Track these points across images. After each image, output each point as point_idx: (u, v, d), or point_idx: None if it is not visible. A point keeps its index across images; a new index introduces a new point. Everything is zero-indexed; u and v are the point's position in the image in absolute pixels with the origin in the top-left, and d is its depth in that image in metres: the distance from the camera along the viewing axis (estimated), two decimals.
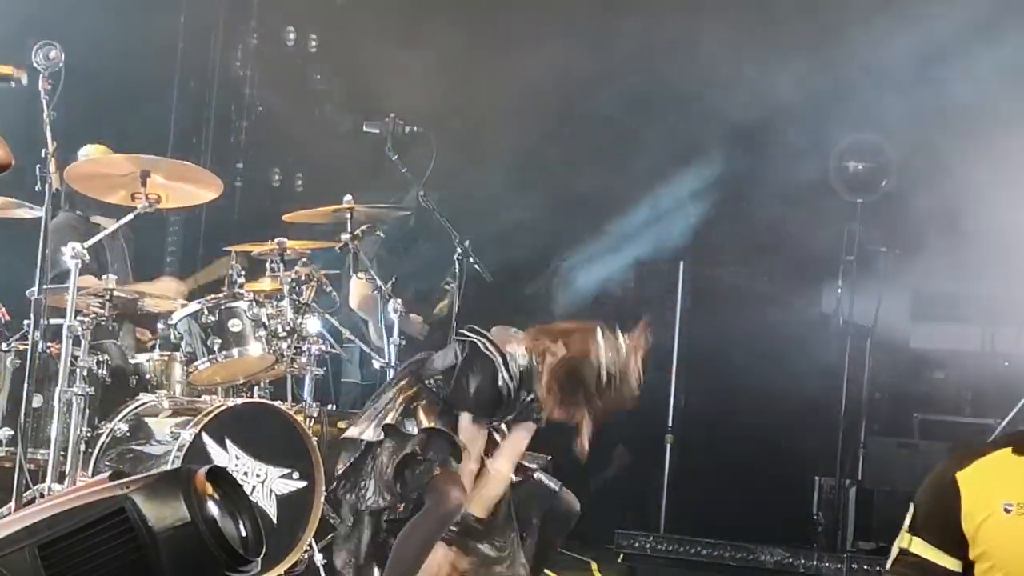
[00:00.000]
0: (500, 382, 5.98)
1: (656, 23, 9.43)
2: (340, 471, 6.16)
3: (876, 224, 9.31)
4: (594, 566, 8.80)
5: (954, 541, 3.30)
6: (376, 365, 8.14)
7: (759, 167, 9.54)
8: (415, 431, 5.97)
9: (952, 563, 3.32)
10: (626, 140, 9.74)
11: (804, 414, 8.89)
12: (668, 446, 9.48)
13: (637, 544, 8.84)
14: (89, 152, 7.80)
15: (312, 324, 7.47)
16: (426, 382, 6.13)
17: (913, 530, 3.29)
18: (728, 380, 9.23)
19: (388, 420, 6.01)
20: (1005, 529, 3.31)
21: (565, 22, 9.88)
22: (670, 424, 9.53)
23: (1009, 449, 3.41)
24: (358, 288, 8.82)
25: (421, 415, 6.02)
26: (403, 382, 6.21)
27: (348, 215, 7.73)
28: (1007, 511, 3.32)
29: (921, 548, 3.28)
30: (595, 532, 8.92)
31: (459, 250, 7.73)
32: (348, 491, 6.11)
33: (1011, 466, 3.39)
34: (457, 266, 7.71)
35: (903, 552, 3.29)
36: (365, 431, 6.06)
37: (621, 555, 8.89)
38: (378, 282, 7.85)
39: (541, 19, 9.80)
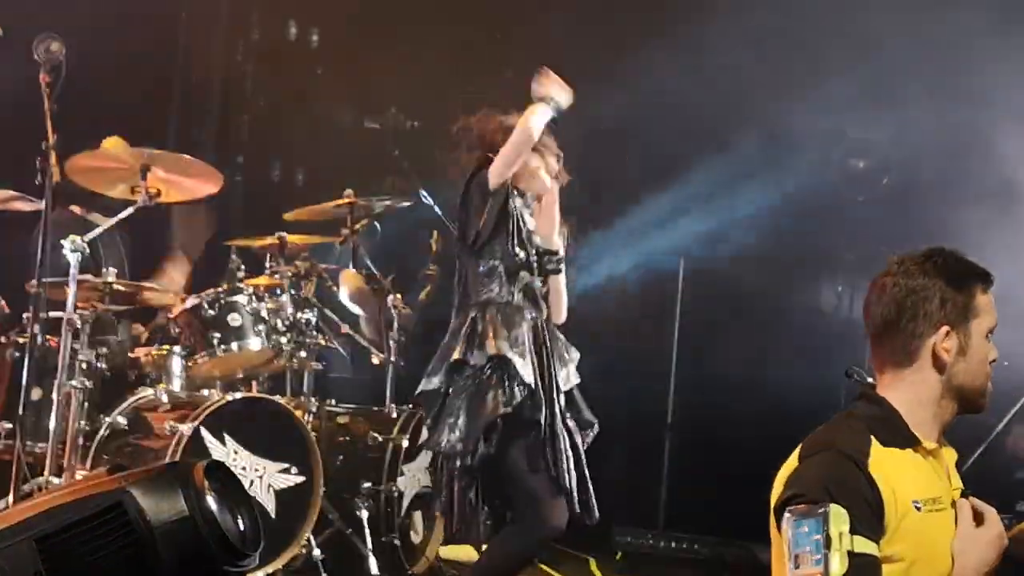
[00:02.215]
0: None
1: (660, 21, 9.42)
2: (425, 427, 6.09)
3: (876, 222, 9.30)
4: (592, 563, 8.79)
5: (880, 535, 3.28)
6: (375, 360, 8.14)
7: (761, 163, 9.53)
8: (484, 361, 5.88)
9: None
10: (629, 136, 9.73)
11: (804, 412, 8.87)
12: (667, 443, 9.48)
13: (636, 541, 8.86)
14: (107, 146, 7.81)
15: (311, 319, 7.48)
16: (474, 301, 6.09)
17: (854, 530, 3.21)
18: (728, 378, 9.23)
19: (454, 357, 5.93)
20: (919, 527, 3.33)
21: (568, 16, 9.87)
22: (669, 421, 9.53)
23: (874, 439, 3.42)
24: (349, 281, 8.80)
25: (489, 342, 5.91)
26: (457, 320, 6.13)
27: (348, 210, 7.74)
28: (917, 509, 3.35)
29: (868, 547, 3.22)
30: (593, 529, 8.92)
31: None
32: (432, 445, 6.01)
33: (898, 460, 3.41)
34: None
35: (853, 555, 3.19)
36: (435, 379, 6.00)
37: (619, 552, 8.90)
38: (378, 276, 7.86)
39: (546, 11, 9.79)
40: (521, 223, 6.13)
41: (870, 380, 3.64)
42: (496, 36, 9.47)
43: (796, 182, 9.36)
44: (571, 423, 6.10)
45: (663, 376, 9.59)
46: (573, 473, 5.96)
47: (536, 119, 5.99)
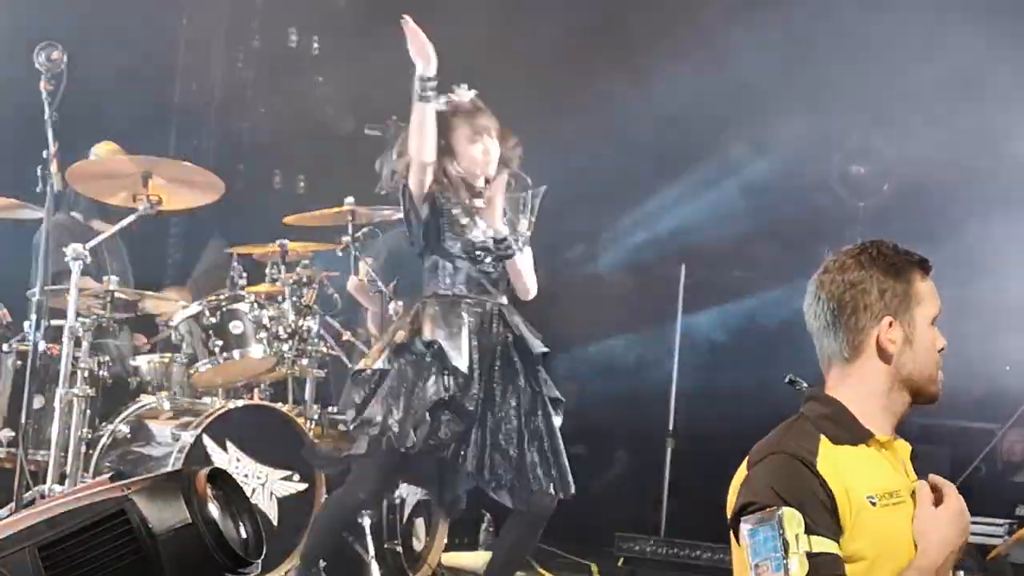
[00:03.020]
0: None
1: (662, 21, 9.42)
2: (352, 408, 6.19)
3: (878, 228, 9.30)
4: (594, 569, 8.79)
5: (838, 533, 3.24)
6: None
7: (762, 170, 9.53)
8: (423, 348, 6.07)
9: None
10: (630, 142, 9.73)
11: None
12: (669, 449, 9.47)
13: (637, 547, 8.84)
14: (100, 151, 7.80)
15: (313, 326, 7.47)
16: (422, 295, 6.30)
17: (810, 530, 3.16)
18: (729, 383, 9.22)
19: (398, 339, 6.13)
20: (876, 522, 3.29)
21: (568, 20, 9.87)
22: (671, 427, 9.52)
23: (824, 438, 3.38)
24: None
25: (426, 327, 6.11)
26: (404, 310, 6.50)
27: (349, 217, 7.73)
28: (872, 504, 3.30)
29: (827, 545, 3.18)
30: (595, 535, 8.93)
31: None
32: (365, 424, 6.13)
33: (849, 457, 3.37)
34: None
35: (812, 555, 3.15)
36: (376, 360, 6.18)
37: (621, 558, 8.89)
38: (380, 285, 7.83)
39: (546, 17, 9.79)
40: (449, 218, 6.25)
41: (806, 385, 3.62)
42: (497, 44, 9.46)
43: (797, 188, 9.37)
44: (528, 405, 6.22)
45: (664, 381, 9.58)
46: (529, 453, 6.11)
47: (417, 128, 6.11)
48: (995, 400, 8.29)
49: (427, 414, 5.98)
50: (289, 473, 6.83)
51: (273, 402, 7.40)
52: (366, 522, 7.10)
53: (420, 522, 7.44)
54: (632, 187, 9.86)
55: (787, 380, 3.68)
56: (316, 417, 7.33)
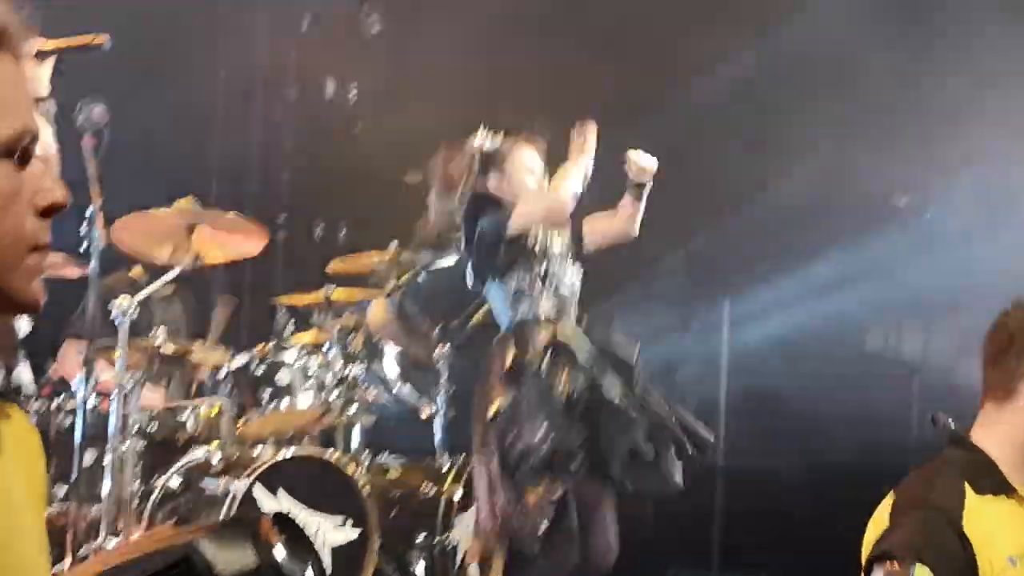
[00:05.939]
0: None
1: (697, 48, 9.41)
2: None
3: (917, 259, 9.24)
4: None
5: None
6: (423, 415, 8.04)
7: (800, 195, 9.49)
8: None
9: None
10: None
11: (854, 451, 8.80)
12: (718, 482, 9.43)
13: None
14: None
15: (360, 373, 7.47)
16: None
17: None
18: (780, 417, 9.17)
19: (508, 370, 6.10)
20: None
21: (592, 57, 9.87)
22: (720, 464, 9.48)
23: (968, 487, 3.29)
24: (377, 310, 8.73)
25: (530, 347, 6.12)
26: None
27: (394, 264, 7.73)
28: (1012, 564, 3.21)
29: None
30: (649, 570, 8.88)
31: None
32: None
33: (993, 511, 3.29)
34: None
35: None
36: (502, 401, 6.12)
37: None
38: (424, 329, 7.84)
39: (574, 61, 9.80)
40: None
41: (952, 423, 3.48)
42: (534, 89, 9.48)
43: (836, 216, 9.33)
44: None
45: (713, 413, 9.55)
46: None
47: (571, 190, 6.07)
48: None
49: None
50: (341, 521, 6.82)
51: (323, 450, 7.40)
52: (419, 567, 7.10)
53: (474, 567, 7.43)
54: (665, 221, 9.84)
55: (932, 418, 3.51)
56: (366, 464, 7.32)
